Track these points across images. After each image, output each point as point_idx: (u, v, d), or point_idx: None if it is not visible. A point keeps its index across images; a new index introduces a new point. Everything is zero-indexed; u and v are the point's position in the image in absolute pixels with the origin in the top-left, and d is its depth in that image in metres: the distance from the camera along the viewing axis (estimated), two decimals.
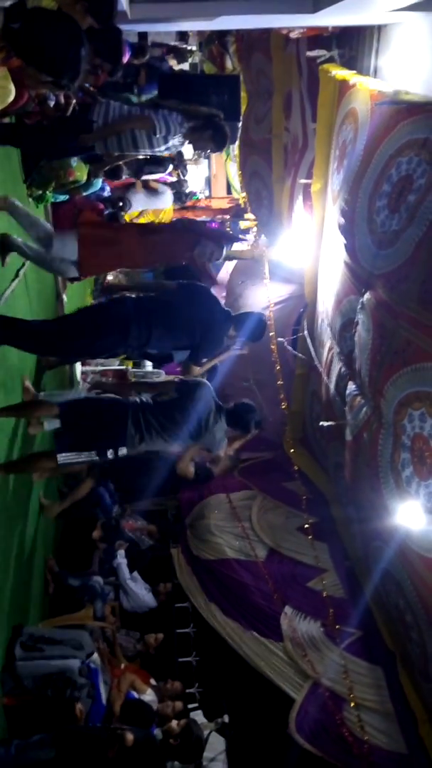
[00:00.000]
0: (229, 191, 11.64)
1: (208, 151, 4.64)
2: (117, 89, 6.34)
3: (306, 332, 5.85)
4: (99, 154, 4.53)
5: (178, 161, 8.63)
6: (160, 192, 8.30)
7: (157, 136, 4.16)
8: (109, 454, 3.84)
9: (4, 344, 3.98)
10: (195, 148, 4.61)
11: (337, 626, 4.84)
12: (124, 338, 3.93)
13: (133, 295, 4.13)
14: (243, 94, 7.18)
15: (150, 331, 3.94)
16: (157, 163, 7.88)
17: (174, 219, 6.09)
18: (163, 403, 3.93)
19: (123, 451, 3.85)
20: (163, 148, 4.35)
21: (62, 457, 3.80)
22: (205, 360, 4.13)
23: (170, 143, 4.32)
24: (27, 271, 4.79)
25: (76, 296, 6.45)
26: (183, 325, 4.01)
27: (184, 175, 9.16)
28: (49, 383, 5.34)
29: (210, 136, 4.26)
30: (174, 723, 4.51)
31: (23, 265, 4.75)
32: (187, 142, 4.45)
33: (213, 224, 9.85)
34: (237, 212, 9.49)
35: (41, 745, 3.51)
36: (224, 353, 4.34)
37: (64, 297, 6.21)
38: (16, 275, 4.59)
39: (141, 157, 6.80)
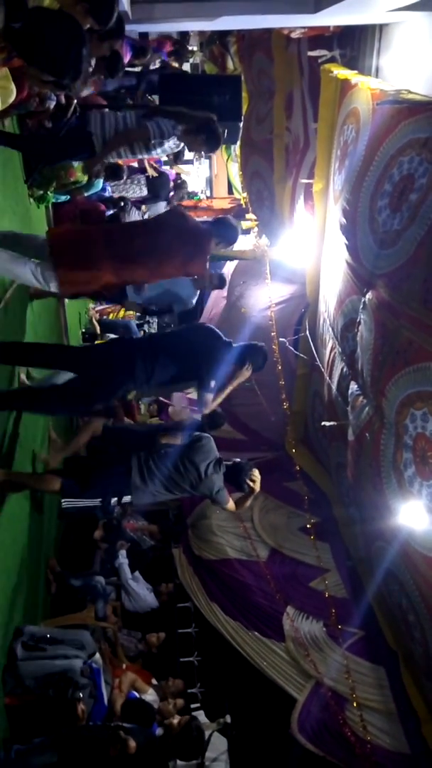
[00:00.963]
0: (230, 191, 11.66)
1: (202, 153, 4.70)
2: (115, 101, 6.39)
3: (308, 332, 5.85)
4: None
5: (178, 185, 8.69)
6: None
7: (153, 141, 4.22)
8: (113, 501, 4.12)
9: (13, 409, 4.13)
10: (189, 150, 4.66)
11: (339, 626, 4.84)
12: (131, 374, 3.94)
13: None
14: (244, 95, 7.17)
15: (154, 364, 3.95)
16: (156, 196, 7.94)
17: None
18: (166, 453, 4.13)
19: (127, 499, 4.11)
20: (159, 151, 4.38)
21: (66, 502, 4.00)
22: (213, 383, 4.15)
23: (165, 146, 4.36)
24: None
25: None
26: (186, 355, 4.03)
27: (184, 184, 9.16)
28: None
29: (203, 140, 4.30)
30: (174, 721, 4.51)
31: None
32: (182, 144, 4.51)
33: None
34: (238, 212, 9.48)
35: (42, 750, 3.50)
36: (234, 381, 4.32)
37: (65, 299, 6.21)
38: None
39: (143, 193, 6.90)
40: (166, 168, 8.50)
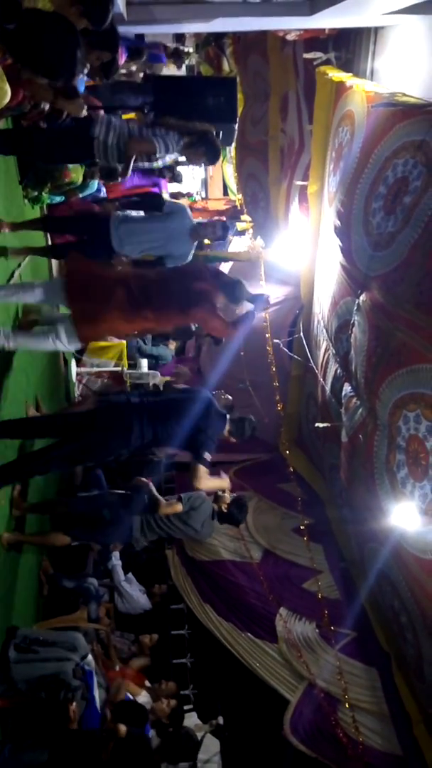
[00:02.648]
0: (225, 193, 11.66)
1: (201, 164, 4.76)
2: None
3: (302, 334, 5.86)
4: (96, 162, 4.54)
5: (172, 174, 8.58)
6: None
7: (157, 155, 4.29)
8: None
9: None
10: (189, 163, 4.72)
11: (332, 627, 4.84)
12: (127, 442, 4.03)
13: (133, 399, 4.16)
14: (239, 96, 7.19)
15: (150, 433, 4.03)
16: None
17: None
18: (168, 520, 4.68)
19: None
20: (159, 162, 4.43)
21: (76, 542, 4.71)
22: (209, 456, 4.14)
23: (165, 159, 4.42)
24: (22, 273, 4.79)
25: None
26: (181, 431, 4.10)
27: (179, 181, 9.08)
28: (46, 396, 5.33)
29: (203, 152, 4.43)
30: (164, 703, 4.59)
31: (19, 265, 4.74)
32: (180, 156, 4.57)
33: None
34: (233, 214, 9.48)
35: (34, 748, 3.50)
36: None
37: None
38: (11, 276, 4.59)
39: None
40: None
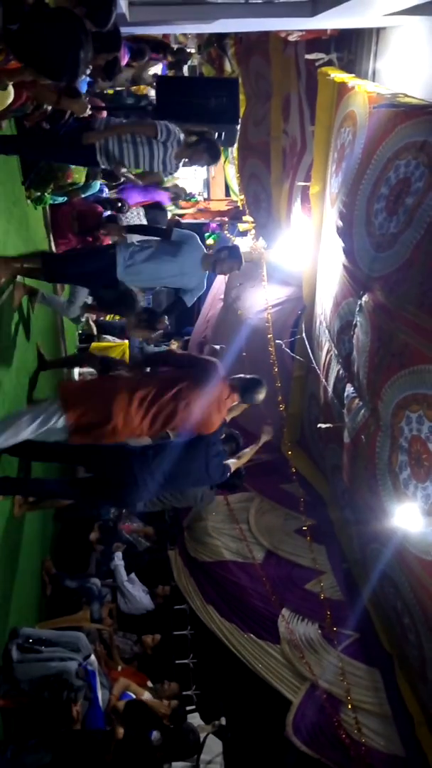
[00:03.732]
0: (227, 193, 11.65)
1: (204, 164, 4.78)
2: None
3: (304, 334, 5.86)
4: (99, 164, 4.53)
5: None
6: None
7: (159, 138, 4.27)
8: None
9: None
10: (192, 163, 4.68)
11: (334, 628, 4.84)
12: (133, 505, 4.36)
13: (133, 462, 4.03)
14: (241, 97, 7.19)
15: (156, 485, 4.07)
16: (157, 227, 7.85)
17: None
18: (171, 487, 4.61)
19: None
20: (161, 154, 4.40)
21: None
22: (227, 473, 4.35)
23: (168, 152, 4.40)
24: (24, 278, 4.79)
25: None
26: (187, 479, 4.30)
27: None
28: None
29: (204, 148, 4.50)
30: (165, 703, 4.59)
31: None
32: (184, 160, 4.58)
33: (211, 225, 9.86)
34: (235, 214, 9.49)
35: (37, 749, 3.50)
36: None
37: (62, 299, 6.20)
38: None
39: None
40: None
